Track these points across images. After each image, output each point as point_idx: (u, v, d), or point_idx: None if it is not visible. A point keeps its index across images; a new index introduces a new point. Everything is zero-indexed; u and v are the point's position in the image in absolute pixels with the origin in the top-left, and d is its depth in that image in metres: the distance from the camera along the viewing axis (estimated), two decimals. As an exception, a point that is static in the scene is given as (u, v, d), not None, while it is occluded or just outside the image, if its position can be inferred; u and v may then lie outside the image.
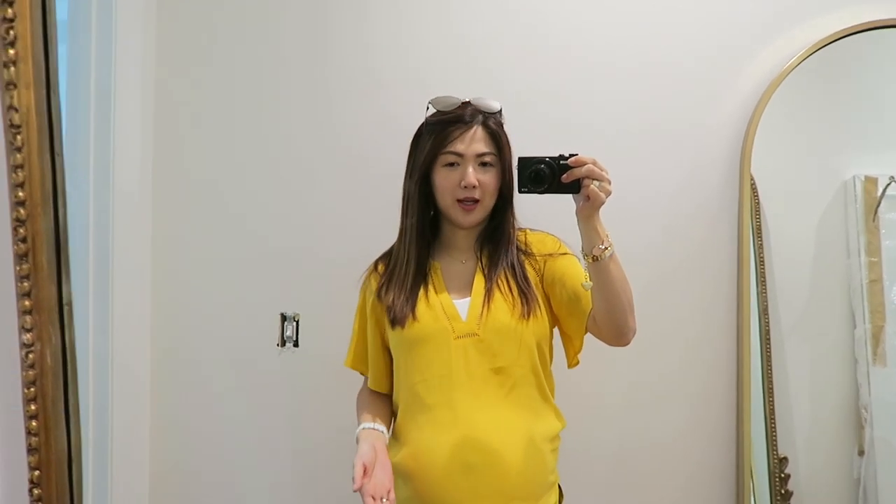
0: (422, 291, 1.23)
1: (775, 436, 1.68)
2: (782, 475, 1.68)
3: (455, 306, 1.21)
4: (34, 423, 0.65)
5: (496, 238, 1.27)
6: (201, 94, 1.67)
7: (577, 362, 1.30)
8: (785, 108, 1.63)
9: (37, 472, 0.64)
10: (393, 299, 1.23)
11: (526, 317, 1.20)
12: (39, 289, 0.64)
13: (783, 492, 1.69)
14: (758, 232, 1.70)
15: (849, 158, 1.70)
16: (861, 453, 1.69)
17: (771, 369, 1.69)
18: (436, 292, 1.23)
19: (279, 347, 1.68)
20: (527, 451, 1.17)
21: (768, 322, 1.70)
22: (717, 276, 1.65)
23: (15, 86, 0.61)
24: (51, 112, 0.63)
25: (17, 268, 0.64)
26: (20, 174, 0.62)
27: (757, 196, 1.69)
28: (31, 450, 0.65)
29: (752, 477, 1.67)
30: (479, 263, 1.26)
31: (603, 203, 1.08)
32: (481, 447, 1.15)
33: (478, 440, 1.15)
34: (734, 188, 1.64)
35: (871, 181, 1.69)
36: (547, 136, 1.61)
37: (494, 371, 1.18)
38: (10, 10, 0.59)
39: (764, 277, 1.70)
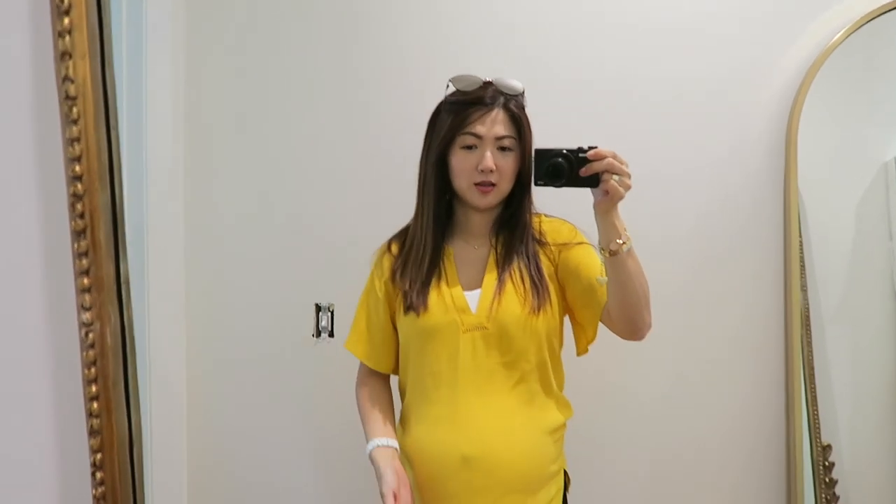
0: (434, 280, 1.21)
1: (818, 423, 1.65)
2: (826, 463, 1.65)
3: (465, 298, 1.20)
4: (95, 405, 0.63)
5: (512, 225, 1.24)
6: (232, 81, 1.66)
7: (587, 351, 1.27)
8: (827, 86, 1.59)
9: (99, 455, 0.63)
10: (409, 284, 1.22)
11: (536, 311, 1.18)
12: (98, 266, 0.62)
13: (827, 480, 1.65)
14: (798, 216, 1.66)
15: (890, 139, 1.65)
16: (906, 438, 1.65)
17: (812, 355, 1.65)
18: (447, 282, 1.21)
19: (314, 338, 1.67)
20: (526, 444, 1.17)
21: (808, 307, 1.66)
22: (763, 256, 1.62)
23: (70, 56, 0.59)
24: (105, 84, 0.62)
25: (75, 244, 0.62)
26: (77, 148, 0.61)
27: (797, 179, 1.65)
28: (92, 432, 0.63)
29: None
30: (494, 251, 1.24)
31: (622, 198, 1.06)
32: (479, 441, 1.14)
33: (476, 434, 1.15)
34: (779, 167, 1.61)
35: (911, 162, 1.65)
36: (589, 114, 1.58)
37: (502, 365, 1.17)
38: (64, -22, 0.57)
39: (802, 261, 1.66)
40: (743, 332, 1.63)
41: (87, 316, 0.63)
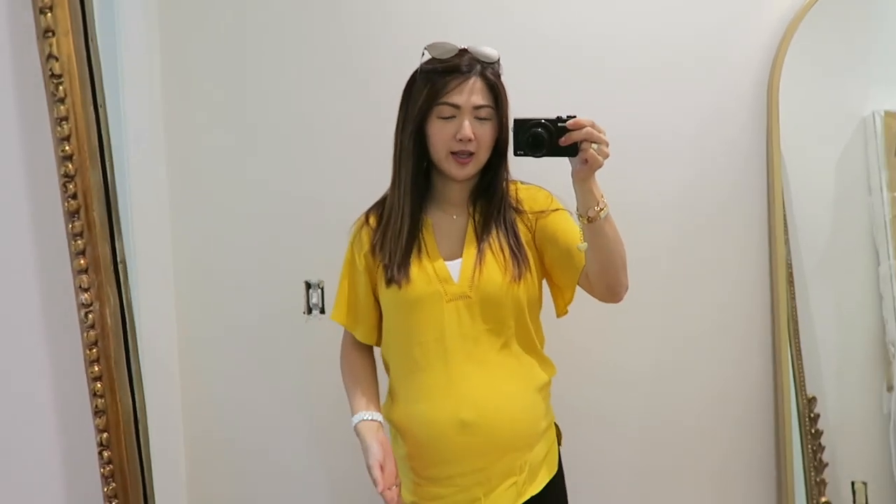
0: (415, 251, 1.20)
1: (803, 376, 1.68)
2: (811, 415, 1.68)
3: (447, 268, 1.19)
4: (98, 385, 0.63)
5: (489, 194, 1.22)
6: (210, 67, 1.62)
7: (567, 312, 1.28)
8: (806, 43, 1.59)
9: (105, 435, 0.63)
10: (389, 257, 1.20)
11: (517, 279, 1.17)
12: (94, 246, 0.61)
13: (813, 431, 1.69)
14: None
15: (868, 94, 1.66)
16: (890, 389, 1.68)
17: (795, 310, 1.68)
18: (428, 253, 1.20)
19: (305, 315, 1.67)
20: (519, 404, 1.18)
21: (791, 263, 1.68)
22: (747, 215, 1.62)
23: (53, 33, 0.58)
24: (90, 60, 0.60)
25: (69, 225, 0.61)
26: (65, 127, 0.59)
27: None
28: (97, 412, 0.63)
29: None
30: (472, 220, 1.23)
31: (601, 166, 1.04)
32: (475, 405, 1.15)
33: (471, 398, 1.15)
34: (762, 126, 1.61)
35: (891, 116, 1.66)
36: (564, 78, 1.57)
37: (487, 331, 1.18)
38: (42, -48, 0.55)
39: (785, 218, 1.68)
40: (729, 291, 1.64)
41: (85, 297, 0.63)
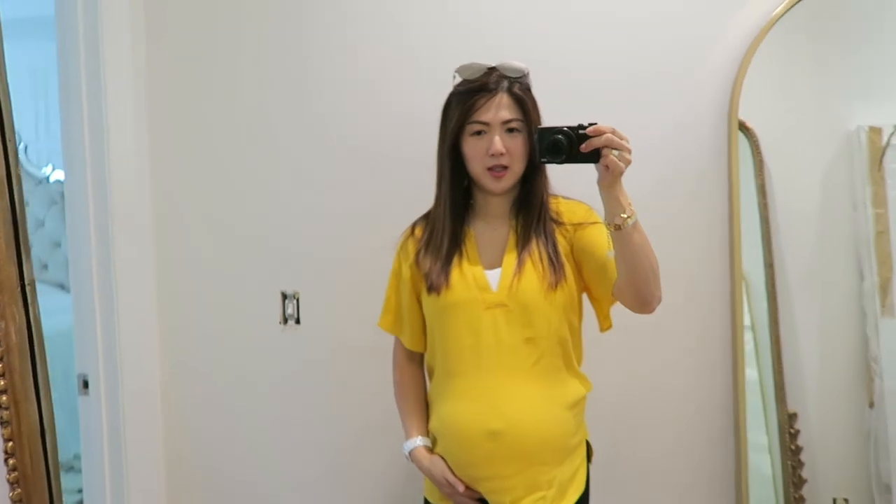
0: (456, 260, 1.25)
1: (784, 392, 1.67)
2: (792, 430, 1.67)
3: (486, 276, 1.23)
4: (4, 398, 0.68)
5: (529, 205, 1.27)
6: (192, 80, 1.69)
7: (610, 325, 1.29)
8: (781, 57, 1.58)
9: (10, 444, 0.68)
10: (430, 266, 1.26)
11: (554, 287, 1.21)
12: (0, 269, 0.66)
13: (793, 447, 1.68)
14: (762, 190, 1.67)
15: (852, 108, 1.64)
16: (871, 406, 1.66)
17: (778, 324, 1.67)
18: (469, 262, 1.25)
19: (281, 325, 1.71)
20: (547, 418, 1.21)
21: (774, 276, 1.67)
22: (709, 229, 1.62)
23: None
24: (-3, 98, 0.65)
25: (-23, 250, 0.67)
26: (-29, 160, 0.65)
27: (760, 153, 1.65)
28: (2, 423, 0.68)
29: (766, 432, 1.66)
30: (513, 231, 1.27)
31: (622, 172, 1.07)
32: (503, 414, 1.19)
33: (500, 408, 1.19)
34: (724, 139, 1.61)
35: (875, 131, 1.64)
36: (534, 90, 1.59)
37: (523, 341, 1.21)
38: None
39: (769, 234, 1.67)
40: (689, 303, 1.64)
41: (-9, 316, 0.68)
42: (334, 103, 1.65)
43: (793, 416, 1.68)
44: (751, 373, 1.66)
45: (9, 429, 0.69)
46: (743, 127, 1.63)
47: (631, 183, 1.57)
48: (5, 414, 0.69)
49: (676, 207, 1.62)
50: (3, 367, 0.68)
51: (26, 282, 0.69)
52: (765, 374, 1.67)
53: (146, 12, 1.69)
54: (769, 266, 1.67)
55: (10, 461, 0.69)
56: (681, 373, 1.65)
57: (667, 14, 1.60)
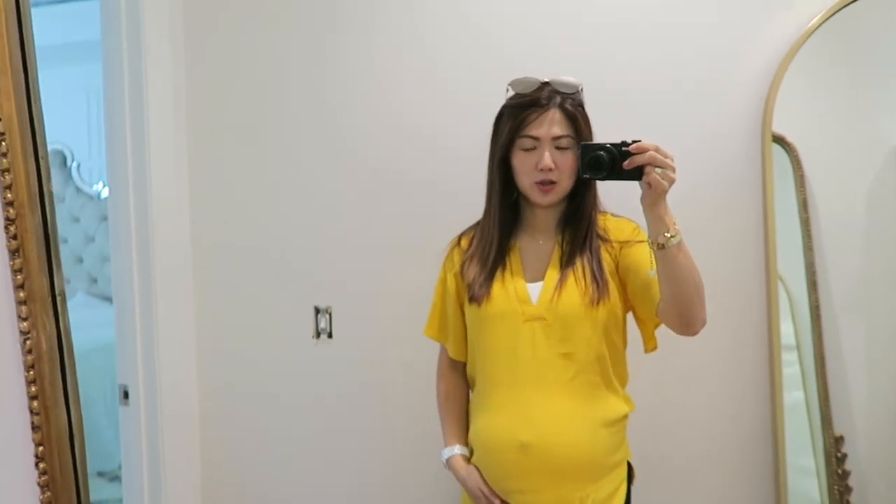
0: (499, 272, 1.26)
1: (830, 414, 1.61)
2: (839, 454, 1.61)
3: (527, 289, 1.24)
4: (35, 403, 0.71)
5: (576, 221, 1.27)
6: (230, 98, 1.75)
7: (655, 346, 1.28)
8: (819, 69, 1.54)
9: (41, 448, 0.71)
10: (474, 276, 1.27)
11: (595, 304, 1.20)
12: (31, 280, 0.70)
13: (840, 471, 1.61)
14: (804, 205, 1.62)
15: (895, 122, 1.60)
16: (922, 428, 1.60)
17: (823, 344, 1.62)
18: (511, 274, 1.26)
19: (314, 339, 1.74)
20: (580, 435, 1.19)
21: (818, 297, 1.62)
22: (742, 243, 1.58)
23: (-3, 97, 0.67)
24: (32, 119, 0.70)
25: (11, 262, 0.71)
26: (7, 177, 0.69)
27: (801, 168, 1.61)
28: (34, 427, 0.72)
29: (813, 455, 1.60)
30: (558, 246, 1.27)
31: (666, 191, 1.07)
32: (535, 427, 1.18)
33: (532, 421, 1.19)
34: (757, 152, 1.58)
35: (922, 145, 1.59)
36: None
37: (560, 356, 1.20)
38: (-13, 29, 0.65)
39: (812, 252, 1.63)
40: (721, 319, 1.60)
41: (24, 325, 0.71)
42: (366, 126, 1.69)
43: (839, 440, 1.62)
44: (797, 395, 1.61)
45: (39, 434, 0.72)
46: (783, 141, 1.59)
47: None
48: (36, 419, 0.72)
49: (707, 219, 1.59)
50: (34, 374, 0.72)
51: (56, 293, 0.73)
52: (811, 397, 1.61)
53: (185, 37, 1.76)
54: (813, 284, 1.62)
55: (41, 465, 0.72)
56: (714, 394, 1.61)
57: (699, 24, 1.58)
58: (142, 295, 1.61)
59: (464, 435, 1.32)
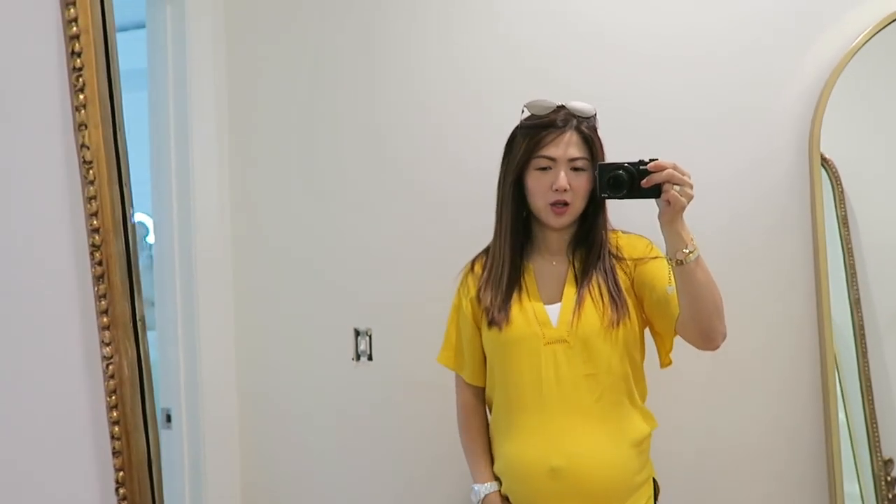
0: (515, 295, 1.26)
1: (878, 437, 1.58)
2: (888, 479, 1.58)
3: (546, 312, 1.24)
4: (117, 429, 0.72)
5: (589, 242, 1.28)
6: (270, 124, 1.78)
7: (670, 362, 1.28)
8: (860, 88, 1.54)
9: (121, 473, 0.71)
10: (490, 301, 1.26)
11: (616, 325, 1.21)
12: (115, 306, 0.71)
13: (891, 496, 1.58)
14: (844, 222, 1.61)
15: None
16: (973, 450, 1.56)
17: (868, 366, 1.59)
18: (528, 297, 1.26)
19: (354, 361, 1.74)
20: (611, 456, 1.20)
21: (862, 316, 1.60)
22: (790, 267, 1.57)
23: (86, 126, 0.69)
24: (117, 148, 0.71)
25: (95, 288, 0.72)
26: (94, 204, 0.70)
27: (840, 184, 1.60)
28: (115, 453, 0.72)
29: (858, 481, 1.57)
30: (572, 267, 1.27)
31: (684, 207, 1.08)
32: (565, 452, 1.18)
33: (562, 445, 1.18)
34: (805, 174, 1.57)
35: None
36: (606, 131, 1.60)
37: (584, 377, 1.20)
38: (78, 60, 0.67)
39: (854, 269, 1.61)
40: (772, 345, 1.58)
41: (107, 350, 0.72)
42: (406, 147, 1.70)
43: (888, 463, 1.59)
44: (839, 417, 1.58)
45: (120, 459, 0.73)
46: (822, 159, 1.59)
47: (707, 220, 1.57)
48: (117, 444, 0.73)
49: (756, 244, 1.58)
50: (116, 399, 0.72)
51: (138, 318, 0.74)
52: (855, 419, 1.58)
53: (228, 63, 1.79)
54: (856, 302, 1.60)
55: (121, 490, 0.72)
56: (767, 423, 1.59)
57: (740, 48, 1.59)
58: (184, 320, 1.63)
59: (492, 468, 1.31)
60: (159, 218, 1.67)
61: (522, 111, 1.28)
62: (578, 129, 1.24)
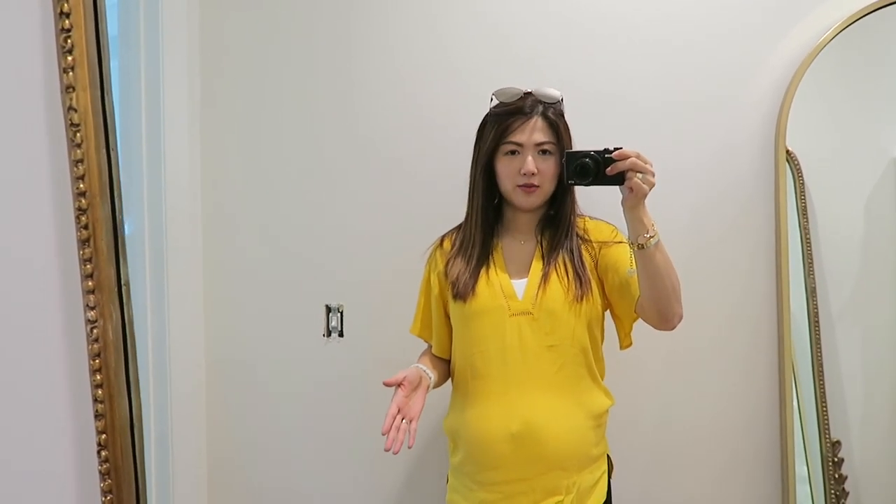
0: (483, 270, 1.31)
1: (827, 420, 1.65)
2: (836, 459, 1.65)
3: (513, 285, 1.28)
4: (100, 392, 0.72)
5: (556, 223, 1.33)
6: (243, 96, 1.76)
7: (630, 343, 1.34)
8: (824, 83, 1.59)
9: (103, 436, 0.72)
10: (458, 275, 1.31)
11: (579, 299, 1.26)
12: (100, 270, 0.71)
13: (837, 476, 1.66)
14: (803, 212, 1.67)
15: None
16: (917, 433, 1.64)
17: (821, 352, 1.66)
18: (496, 271, 1.31)
19: (325, 337, 1.75)
20: (569, 425, 1.25)
21: (817, 304, 1.67)
22: (753, 256, 1.63)
23: (73, 89, 0.68)
24: (105, 111, 0.71)
25: (80, 252, 0.71)
26: (80, 168, 0.70)
27: (801, 176, 1.66)
28: (97, 416, 0.72)
29: (806, 462, 1.64)
30: (539, 246, 1.32)
31: (646, 194, 1.13)
32: (524, 418, 1.23)
33: (522, 411, 1.23)
34: (770, 165, 1.62)
35: (920, 157, 1.64)
36: (579, 116, 1.62)
37: (547, 348, 1.25)
38: (66, 22, 0.66)
39: (811, 258, 1.67)
40: (734, 334, 1.64)
41: (91, 314, 0.72)
42: (379, 124, 1.71)
43: (836, 444, 1.66)
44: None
45: (102, 422, 0.73)
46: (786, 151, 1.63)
47: (673, 207, 1.61)
48: (100, 408, 0.73)
49: (720, 233, 1.63)
50: (99, 362, 0.72)
51: (123, 282, 0.74)
52: (807, 403, 1.65)
53: (202, 34, 1.76)
54: (812, 291, 1.67)
55: (103, 453, 0.73)
56: (725, 405, 1.65)
57: (711, 39, 1.63)
58: (153, 291, 1.60)
59: (430, 366, 1.35)
60: (128, 189, 1.64)
61: (491, 99, 1.32)
62: (545, 115, 1.29)
